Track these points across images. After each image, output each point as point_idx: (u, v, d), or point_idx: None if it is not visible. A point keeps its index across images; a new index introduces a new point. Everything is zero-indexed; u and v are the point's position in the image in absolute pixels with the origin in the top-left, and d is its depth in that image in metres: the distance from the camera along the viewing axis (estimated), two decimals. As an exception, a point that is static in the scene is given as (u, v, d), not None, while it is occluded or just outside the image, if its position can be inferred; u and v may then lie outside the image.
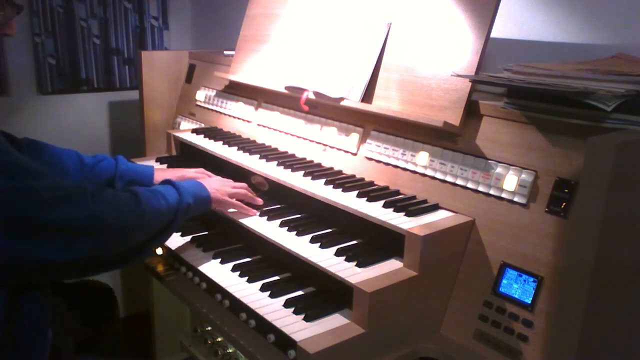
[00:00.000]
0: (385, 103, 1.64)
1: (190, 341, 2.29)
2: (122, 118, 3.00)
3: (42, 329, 1.29)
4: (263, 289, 1.41)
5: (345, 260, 1.35)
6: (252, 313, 1.32)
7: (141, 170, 1.75)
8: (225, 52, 2.46)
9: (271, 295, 1.38)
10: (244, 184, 1.67)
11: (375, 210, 1.42)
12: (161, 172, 1.78)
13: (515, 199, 1.31)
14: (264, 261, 1.57)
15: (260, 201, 1.66)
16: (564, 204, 1.24)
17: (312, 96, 1.77)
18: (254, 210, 1.62)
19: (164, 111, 2.61)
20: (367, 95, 1.68)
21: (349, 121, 1.75)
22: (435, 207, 1.45)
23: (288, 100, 1.95)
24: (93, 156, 1.70)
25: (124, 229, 1.26)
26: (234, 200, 1.60)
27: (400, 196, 1.52)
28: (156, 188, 1.43)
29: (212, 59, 2.47)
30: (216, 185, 1.59)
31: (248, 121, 2.15)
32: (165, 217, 1.38)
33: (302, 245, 1.42)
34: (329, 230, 1.52)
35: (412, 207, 1.41)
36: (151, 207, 1.33)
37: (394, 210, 1.41)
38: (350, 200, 1.48)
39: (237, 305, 1.37)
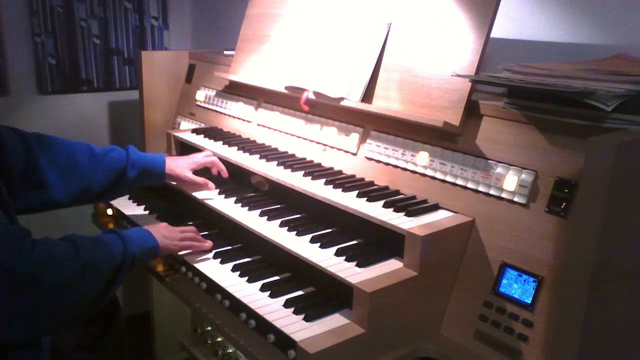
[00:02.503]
0: (385, 103, 1.64)
1: (190, 341, 2.29)
2: (122, 118, 3.00)
3: None
4: (263, 289, 1.41)
5: (345, 260, 1.35)
6: (252, 313, 1.32)
7: (153, 159, 1.74)
8: (225, 52, 2.46)
9: (271, 295, 1.38)
10: (191, 227, 1.63)
11: (375, 210, 1.42)
12: (172, 160, 1.77)
13: (515, 199, 1.31)
14: (264, 261, 1.57)
15: (209, 245, 1.61)
16: (564, 204, 1.23)
17: (312, 96, 1.77)
18: (208, 243, 1.60)
19: (164, 111, 2.61)
20: (367, 95, 1.68)
21: (349, 121, 1.75)
22: (435, 207, 1.45)
23: (288, 100, 1.95)
24: (104, 147, 1.69)
25: (61, 282, 1.19)
26: (184, 243, 1.56)
27: (400, 196, 1.52)
28: (100, 238, 1.37)
29: (212, 59, 2.47)
30: (164, 232, 1.53)
31: (248, 121, 2.15)
32: (108, 269, 1.31)
33: (302, 245, 1.42)
34: (329, 230, 1.52)
35: (412, 207, 1.41)
36: (92, 260, 1.27)
37: (394, 210, 1.41)
38: (350, 200, 1.48)
39: (237, 305, 1.37)
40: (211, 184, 1.72)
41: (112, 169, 1.65)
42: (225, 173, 1.83)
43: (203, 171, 1.86)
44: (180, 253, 1.60)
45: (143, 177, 1.72)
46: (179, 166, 1.75)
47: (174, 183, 1.81)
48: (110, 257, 1.33)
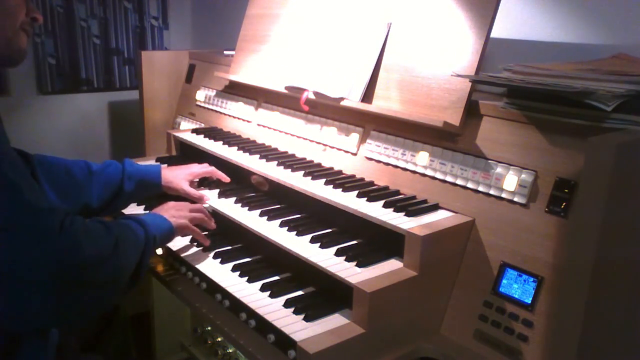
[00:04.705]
0: (385, 103, 1.64)
1: (190, 341, 2.29)
2: (122, 118, 3.01)
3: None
4: (263, 289, 1.41)
5: (345, 260, 1.35)
6: (252, 313, 1.32)
7: (149, 170, 1.76)
8: (225, 52, 2.46)
9: (271, 295, 1.38)
10: (200, 206, 1.64)
11: (375, 210, 1.42)
12: (168, 171, 1.78)
13: (515, 199, 1.31)
14: (264, 261, 1.57)
15: (213, 226, 1.64)
16: (564, 204, 1.23)
17: (312, 96, 1.77)
18: (208, 241, 1.62)
19: (164, 111, 2.61)
20: (367, 95, 1.68)
21: (349, 121, 1.75)
22: (435, 207, 1.45)
23: (288, 100, 1.95)
24: (102, 163, 1.71)
25: (95, 256, 1.19)
26: (193, 214, 1.58)
27: (400, 196, 1.52)
28: (122, 221, 1.39)
29: (212, 59, 2.47)
30: (174, 212, 1.54)
31: (248, 121, 2.15)
32: (136, 250, 1.33)
33: (302, 245, 1.42)
34: (329, 230, 1.52)
35: (412, 207, 1.41)
36: (123, 237, 1.29)
37: (394, 210, 1.41)
38: (350, 200, 1.48)
39: (237, 305, 1.37)
40: (206, 197, 1.74)
41: (109, 183, 1.67)
42: (225, 179, 1.84)
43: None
44: (181, 254, 1.60)
45: (140, 189, 1.73)
46: (176, 177, 1.77)
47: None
48: (135, 237, 1.35)
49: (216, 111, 2.33)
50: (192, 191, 1.76)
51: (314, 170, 1.69)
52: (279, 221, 1.55)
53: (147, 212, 1.90)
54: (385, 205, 1.44)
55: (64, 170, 1.60)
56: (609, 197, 1.01)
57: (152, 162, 2.10)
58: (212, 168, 1.85)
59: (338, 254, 1.38)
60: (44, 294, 1.13)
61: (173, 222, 1.51)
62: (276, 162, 1.77)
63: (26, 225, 1.10)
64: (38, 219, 1.12)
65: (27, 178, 1.17)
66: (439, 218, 1.39)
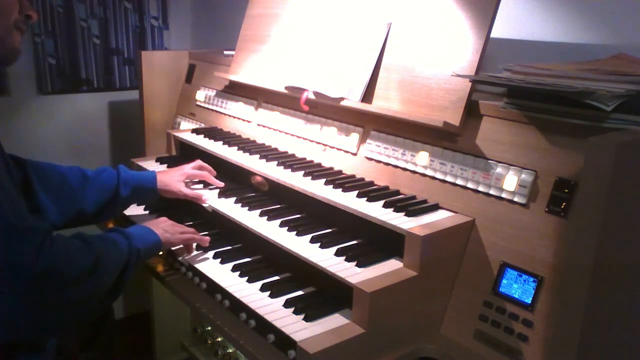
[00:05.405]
0: (385, 103, 1.64)
1: (190, 341, 2.29)
2: (122, 118, 3.00)
3: None
4: (263, 289, 1.41)
5: (345, 260, 1.35)
6: (252, 313, 1.32)
7: (144, 176, 1.76)
8: (225, 52, 2.46)
9: (271, 295, 1.38)
10: (191, 230, 1.64)
11: (375, 210, 1.42)
12: (163, 175, 1.78)
13: (515, 199, 1.31)
14: (264, 261, 1.57)
15: (207, 240, 1.63)
16: (564, 204, 1.23)
17: (312, 96, 1.77)
18: (206, 238, 1.62)
19: (164, 111, 2.61)
20: (367, 95, 1.68)
21: (349, 121, 1.75)
22: (435, 207, 1.45)
23: (288, 100, 1.95)
24: (96, 169, 1.71)
25: (74, 276, 1.20)
26: (185, 236, 1.58)
27: (400, 196, 1.52)
28: (105, 235, 1.40)
29: (212, 59, 2.47)
30: (164, 226, 1.56)
31: (248, 121, 2.15)
32: (117, 264, 1.34)
33: (302, 245, 1.42)
34: (329, 230, 1.52)
35: (412, 207, 1.41)
36: (104, 253, 1.29)
37: (394, 210, 1.41)
38: (350, 200, 1.48)
39: (237, 305, 1.37)
40: (204, 197, 1.74)
41: (104, 189, 1.67)
42: (219, 184, 1.83)
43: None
44: (181, 254, 1.60)
45: (136, 194, 1.74)
46: (172, 180, 1.77)
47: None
48: (117, 252, 1.36)
49: (216, 111, 2.33)
50: (190, 192, 1.75)
51: (314, 170, 1.69)
52: (279, 221, 1.55)
53: (147, 212, 1.91)
54: (385, 205, 1.44)
55: (58, 176, 1.61)
56: (609, 197, 1.01)
57: (152, 162, 2.11)
58: (204, 172, 1.84)
59: (338, 254, 1.38)
60: (23, 311, 1.14)
61: (161, 236, 1.52)
62: (276, 162, 1.77)
63: (4, 246, 1.11)
64: (17, 240, 1.12)
65: (12, 196, 1.17)
66: (439, 218, 1.39)
